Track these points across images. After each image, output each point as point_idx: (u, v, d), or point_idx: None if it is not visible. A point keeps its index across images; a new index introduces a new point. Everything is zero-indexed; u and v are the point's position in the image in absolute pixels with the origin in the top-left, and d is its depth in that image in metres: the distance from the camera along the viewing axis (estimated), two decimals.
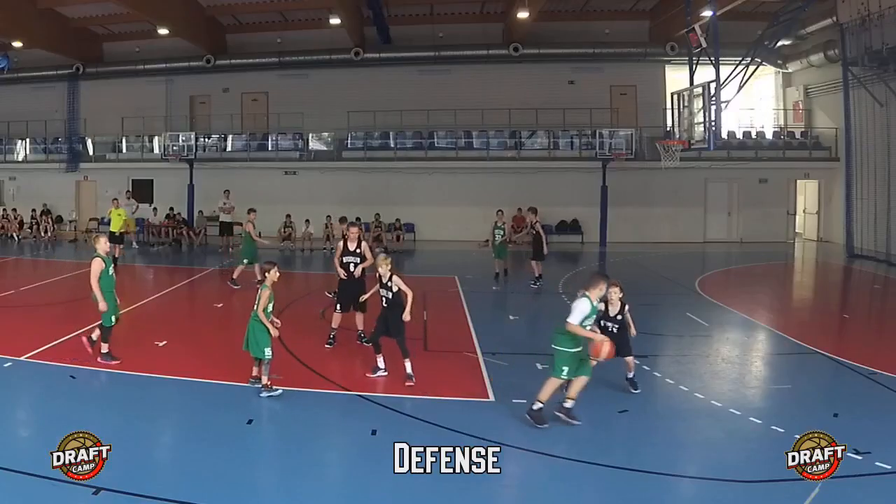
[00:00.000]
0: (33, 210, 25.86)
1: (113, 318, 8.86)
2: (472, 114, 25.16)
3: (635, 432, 6.98)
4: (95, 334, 8.97)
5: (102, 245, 8.99)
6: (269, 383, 7.76)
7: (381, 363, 8.47)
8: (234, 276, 14.83)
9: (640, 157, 23.86)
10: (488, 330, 11.09)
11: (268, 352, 7.72)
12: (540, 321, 12.53)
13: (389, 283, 8.28)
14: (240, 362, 9.07)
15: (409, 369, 8.17)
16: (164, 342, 9.90)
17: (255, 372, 8.00)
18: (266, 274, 8.07)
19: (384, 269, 8.29)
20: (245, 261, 14.70)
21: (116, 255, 17.86)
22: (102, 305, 8.68)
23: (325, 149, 26.09)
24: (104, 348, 8.91)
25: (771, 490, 5.62)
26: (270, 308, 7.88)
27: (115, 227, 18.38)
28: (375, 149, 25.71)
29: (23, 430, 6.99)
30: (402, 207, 24.59)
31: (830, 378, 9.04)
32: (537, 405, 6.87)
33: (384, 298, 8.37)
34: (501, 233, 15.99)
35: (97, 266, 8.74)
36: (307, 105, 26.02)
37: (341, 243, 9.89)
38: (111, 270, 9.01)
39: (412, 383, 8.09)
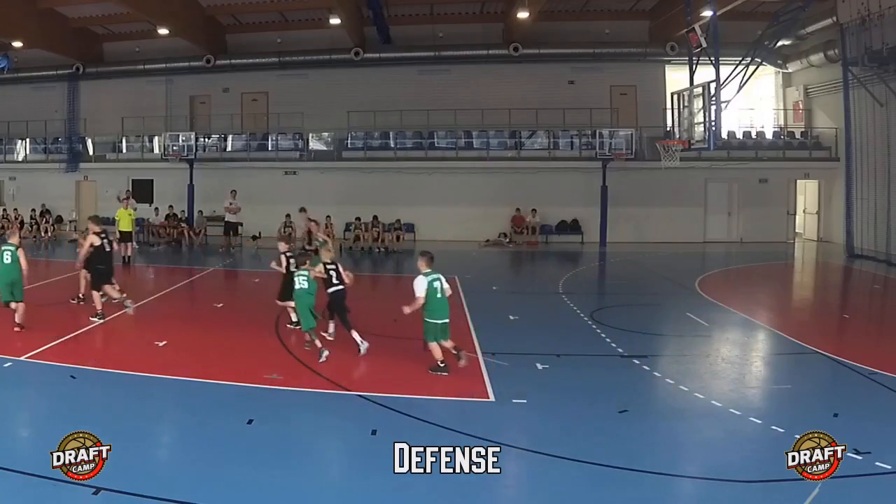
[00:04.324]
0: (33, 210, 25.85)
1: None
2: (471, 114, 25.15)
3: (635, 432, 6.97)
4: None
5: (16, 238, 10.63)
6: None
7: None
8: None
9: (640, 157, 23.82)
10: (488, 330, 11.06)
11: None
12: (540, 321, 12.52)
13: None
14: (240, 362, 9.09)
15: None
16: (164, 342, 9.90)
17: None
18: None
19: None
20: None
21: (129, 254, 18.05)
22: None
23: (325, 149, 26.07)
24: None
25: (771, 490, 5.62)
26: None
27: (124, 226, 18.56)
28: (375, 149, 25.69)
29: (23, 430, 6.98)
30: (402, 207, 24.55)
31: (830, 378, 9.04)
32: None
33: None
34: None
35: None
36: (307, 105, 26.02)
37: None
38: (6, 257, 10.12)
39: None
